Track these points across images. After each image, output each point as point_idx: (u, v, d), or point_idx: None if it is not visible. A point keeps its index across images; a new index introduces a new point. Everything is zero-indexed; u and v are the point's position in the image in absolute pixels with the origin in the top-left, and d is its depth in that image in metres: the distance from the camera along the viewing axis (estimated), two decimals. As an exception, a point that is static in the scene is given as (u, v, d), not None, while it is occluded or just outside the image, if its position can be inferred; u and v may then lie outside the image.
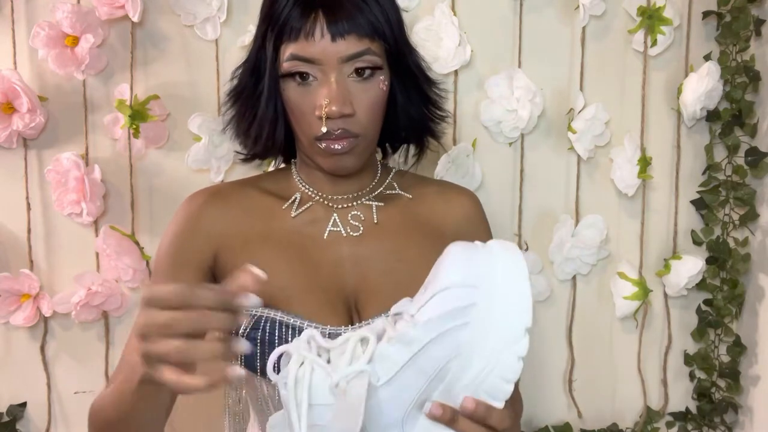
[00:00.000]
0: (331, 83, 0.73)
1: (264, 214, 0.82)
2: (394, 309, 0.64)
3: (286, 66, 0.75)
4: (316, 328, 0.76)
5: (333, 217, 0.82)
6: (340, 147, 0.76)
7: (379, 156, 0.91)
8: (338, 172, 0.81)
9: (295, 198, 0.83)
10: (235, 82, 0.82)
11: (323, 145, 0.76)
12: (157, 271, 0.82)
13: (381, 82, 0.77)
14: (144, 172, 1.18)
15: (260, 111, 0.79)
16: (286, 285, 0.78)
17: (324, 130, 0.74)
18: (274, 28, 0.74)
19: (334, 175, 0.82)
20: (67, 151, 1.14)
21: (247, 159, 0.86)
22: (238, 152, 0.87)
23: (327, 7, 0.72)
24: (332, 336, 0.76)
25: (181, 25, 1.15)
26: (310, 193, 0.84)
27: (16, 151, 1.16)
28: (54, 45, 1.10)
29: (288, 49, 0.74)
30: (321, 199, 0.84)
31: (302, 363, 0.59)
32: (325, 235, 0.81)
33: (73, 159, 1.12)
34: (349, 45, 0.73)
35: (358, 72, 0.75)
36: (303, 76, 0.75)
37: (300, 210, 0.83)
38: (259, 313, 0.77)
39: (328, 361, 0.59)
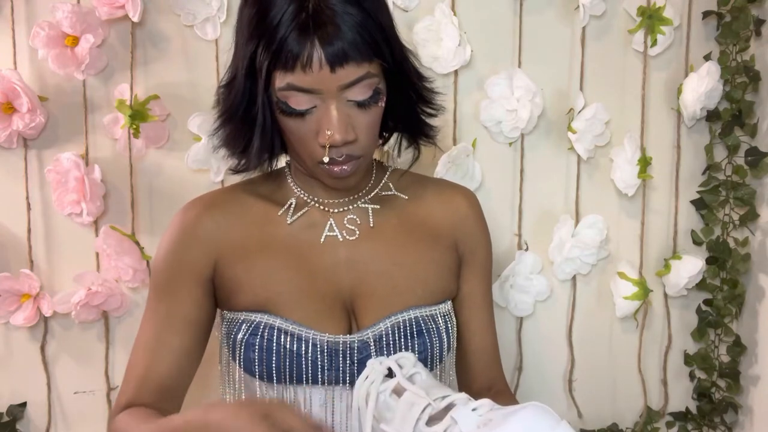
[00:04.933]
0: (331, 111, 0.71)
1: (260, 221, 0.82)
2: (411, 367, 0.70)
3: (282, 95, 0.71)
4: (315, 336, 0.77)
5: (329, 222, 0.82)
6: (344, 170, 0.75)
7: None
8: (340, 189, 0.81)
9: (291, 203, 0.83)
10: (225, 104, 0.78)
11: (326, 167, 0.75)
12: (157, 284, 0.81)
13: (380, 100, 0.75)
14: (144, 172, 1.18)
15: (256, 136, 0.76)
16: (284, 291, 0.78)
17: (326, 160, 0.73)
18: (267, 51, 0.70)
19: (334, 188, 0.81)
20: (67, 151, 1.13)
21: (241, 171, 0.83)
22: (231, 169, 0.83)
23: (324, 32, 0.68)
24: (330, 344, 0.77)
25: (181, 25, 1.15)
26: (305, 198, 0.83)
27: (16, 151, 1.15)
28: (54, 45, 1.09)
29: (284, 78, 0.70)
30: (317, 204, 0.83)
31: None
32: (322, 240, 0.81)
33: (73, 159, 1.12)
34: (349, 73, 0.69)
35: (359, 104, 0.73)
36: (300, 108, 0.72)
37: (296, 216, 0.82)
38: (258, 320, 0.77)
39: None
